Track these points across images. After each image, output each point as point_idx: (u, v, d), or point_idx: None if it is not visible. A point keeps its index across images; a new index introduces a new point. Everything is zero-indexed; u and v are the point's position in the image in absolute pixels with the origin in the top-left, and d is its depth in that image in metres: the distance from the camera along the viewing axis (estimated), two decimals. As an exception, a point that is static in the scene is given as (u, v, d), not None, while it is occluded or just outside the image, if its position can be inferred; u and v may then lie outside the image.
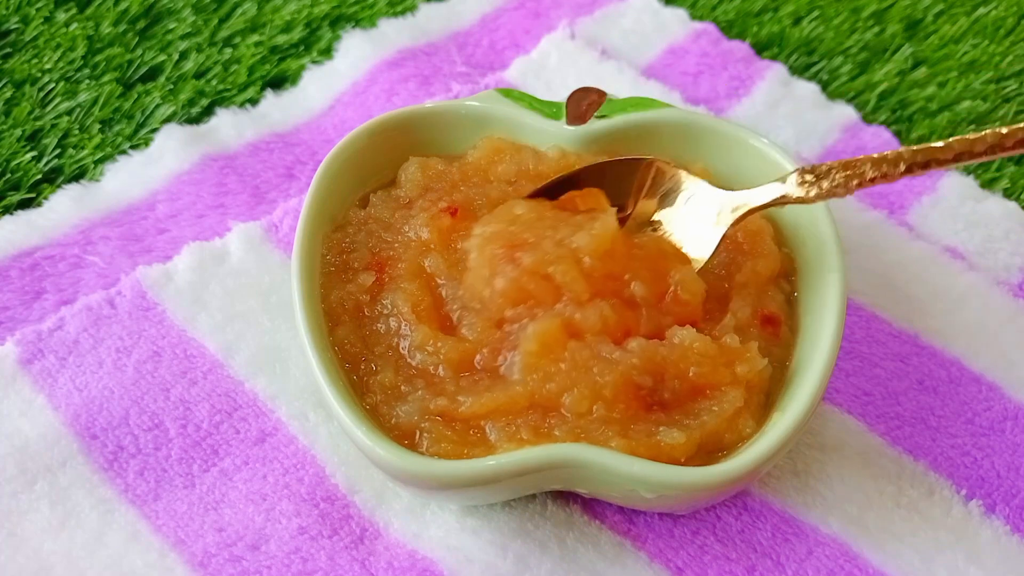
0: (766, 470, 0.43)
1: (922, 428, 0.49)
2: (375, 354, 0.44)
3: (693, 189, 0.48)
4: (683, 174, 0.48)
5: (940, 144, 0.42)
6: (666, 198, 0.48)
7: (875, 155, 0.43)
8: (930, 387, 0.50)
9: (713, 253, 0.46)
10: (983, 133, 0.41)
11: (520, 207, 0.47)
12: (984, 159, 0.41)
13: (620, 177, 0.48)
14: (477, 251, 0.45)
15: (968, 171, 0.59)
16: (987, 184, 0.59)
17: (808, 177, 0.44)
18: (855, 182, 0.43)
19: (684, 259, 0.46)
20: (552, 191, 0.48)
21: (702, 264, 0.46)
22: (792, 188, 0.44)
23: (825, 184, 0.43)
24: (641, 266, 0.45)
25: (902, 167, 0.42)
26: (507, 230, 0.45)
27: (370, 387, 0.43)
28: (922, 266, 0.54)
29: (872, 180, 0.43)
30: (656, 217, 0.48)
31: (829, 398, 0.49)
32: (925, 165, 0.42)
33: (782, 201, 0.45)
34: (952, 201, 0.57)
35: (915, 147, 0.42)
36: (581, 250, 0.43)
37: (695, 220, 0.47)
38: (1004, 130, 0.41)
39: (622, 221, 0.47)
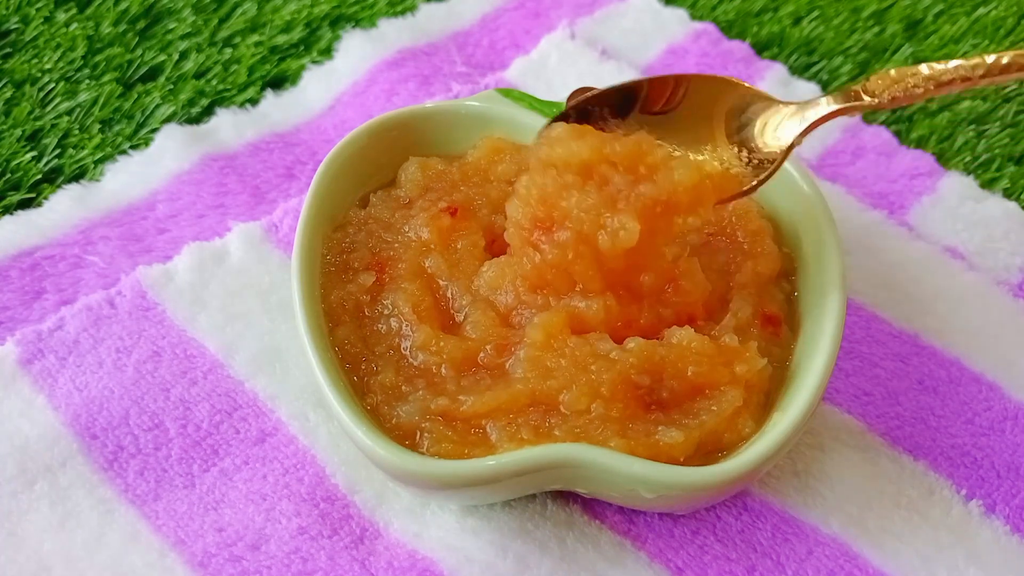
0: (766, 470, 0.43)
1: (922, 428, 0.49)
2: (375, 354, 0.44)
3: (755, 103, 0.47)
4: (740, 86, 0.47)
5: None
6: (731, 113, 0.47)
7: (937, 65, 0.43)
8: (930, 387, 0.50)
9: (779, 162, 0.45)
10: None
11: (578, 147, 0.45)
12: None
13: (702, 98, 0.47)
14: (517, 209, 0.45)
15: (968, 171, 0.59)
16: (987, 184, 0.59)
17: (871, 85, 0.44)
18: (932, 85, 0.43)
19: (732, 182, 0.45)
20: (625, 95, 0.47)
21: (771, 170, 0.45)
22: (861, 96, 0.44)
23: (892, 90, 0.43)
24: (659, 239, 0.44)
25: (979, 70, 0.42)
26: (547, 191, 0.44)
27: (371, 387, 0.43)
28: (922, 266, 0.54)
29: (947, 84, 0.42)
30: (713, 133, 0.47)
31: (829, 398, 0.49)
32: (988, 73, 0.42)
33: (857, 107, 0.44)
34: (952, 201, 0.57)
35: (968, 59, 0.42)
36: (604, 251, 0.43)
37: (761, 133, 0.46)
38: None
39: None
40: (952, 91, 0.43)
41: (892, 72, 0.44)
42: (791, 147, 0.45)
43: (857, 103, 0.44)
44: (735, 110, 0.47)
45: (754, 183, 0.45)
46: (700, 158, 0.46)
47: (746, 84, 0.48)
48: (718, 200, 0.45)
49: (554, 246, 0.43)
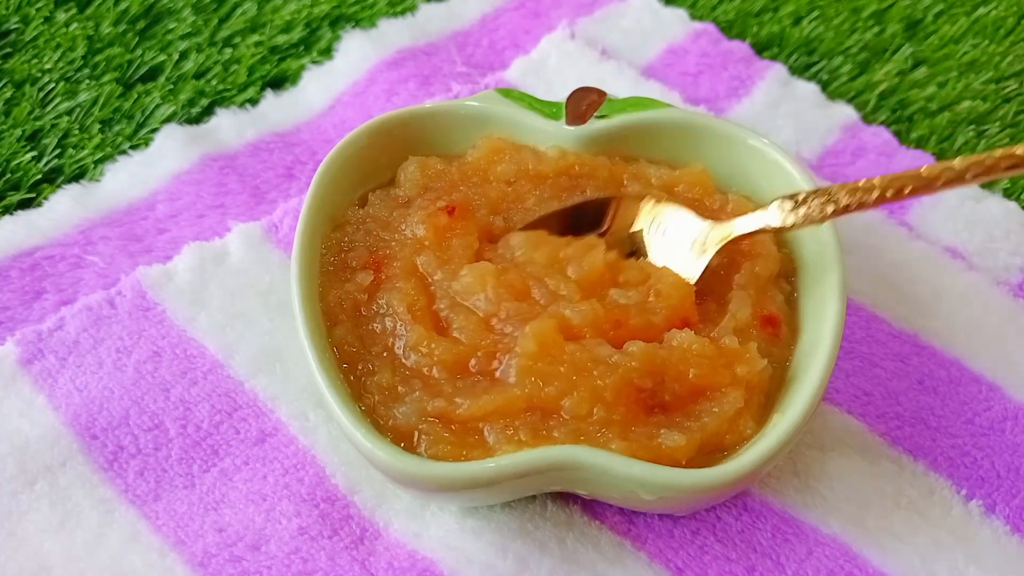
0: (767, 471, 0.43)
1: (922, 428, 0.49)
2: (372, 354, 0.44)
3: (673, 218, 0.48)
4: (661, 206, 0.48)
5: (913, 172, 0.42)
6: (645, 229, 0.49)
7: (850, 183, 0.44)
8: (930, 387, 0.50)
9: (697, 281, 0.47)
10: (950, 162, 0.42)
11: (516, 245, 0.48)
12: (957, 186, 0.42)
13: (595, 214, 0.49)
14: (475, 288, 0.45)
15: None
16: (987, 184, 0.59)
17: (787, 204, 0.45)
18: (830, 209, 0.44)
19: (687, 299, 0.46)
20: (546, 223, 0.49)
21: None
22: (773, 216, 0.45)
23: (802, 211, 0.45)
24: (628, 280, 0.46)
25: (874, 195, 0.43)
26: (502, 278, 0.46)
27: (368, 388, 0.43)
28: (922, 266, 0.54)
29: (846, 208, 0.44)
30: (639, 247, 0.49)
31: (829, 398, 0.49)
32: (898, 192, 0.43)
33: (763, 231, 0.46)
34: (952, 201, 0.57)
35: (890, 176, 0.43)
36: (571, 282, 0.45)
37: (677, 249, 0.48)
38: (974, 158, 0.41)
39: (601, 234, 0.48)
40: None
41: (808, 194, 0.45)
42: (707, 267, 0.47)
43: (764, 227, 0.46)
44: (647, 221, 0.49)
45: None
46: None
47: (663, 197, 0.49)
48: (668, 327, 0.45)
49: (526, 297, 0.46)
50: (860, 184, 0.44)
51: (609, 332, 0.44)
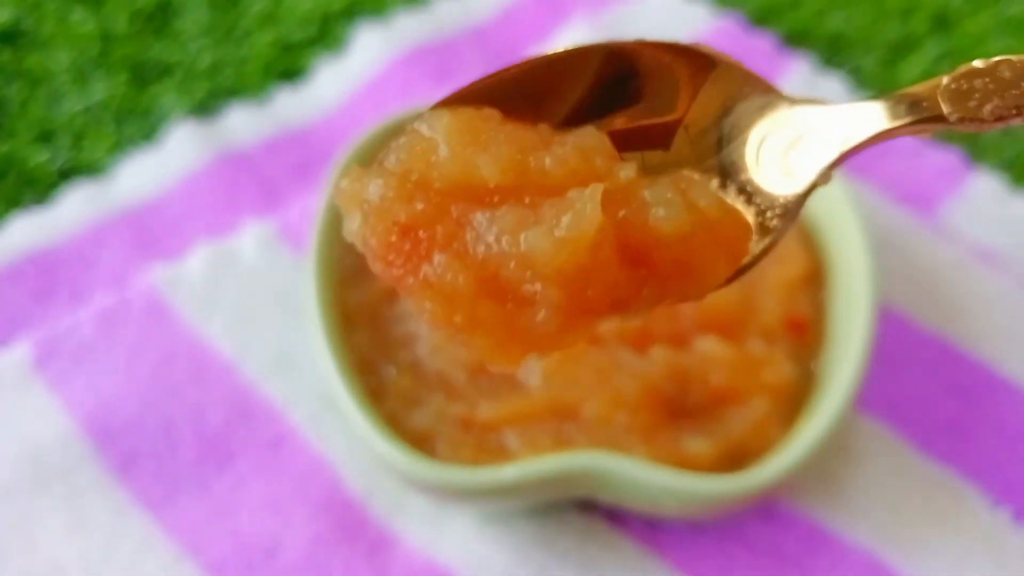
0: (794, 479, 0.42)
1: (951, 435, 0.48)
2: (392, 358, 0.44)
3: (751, 101, 0.30)
4: (736, 71, 0.30)
5: None
6: (728, 116, 0.29)
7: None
8: (959, 393, 0.49)
9: (790, 218, 0.28)
10: None
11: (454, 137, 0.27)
12: None
13: (661, 75, 0.28)
14: (361, 227, 0.28)
15: (998, 170, 0.58)
16: (1017, 183, 0.58)
17: (968, 84, 0.27)
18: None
19: (739, 228, 0.28)
20: (506, 90, 0.28)
21: (773, 238, 0.28)
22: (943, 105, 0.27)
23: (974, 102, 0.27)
24: (660, 260, 0.27)
25: None
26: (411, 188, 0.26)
27: (387, 392, 0.43)
28: (952, 269, 0.53)
29: None
30: (679, 146, 0.29)
31: (856, 403, 0.48)
32: None
33: (930, 121, 0.28)
34: (982, 201, 0.56)
35: None
36: (539, 266, 0.25)
37: (757, 156, 0.29)
38: None
39: (663, 138, 0.28)
40: None
41: (971, 68, 0.27)
42: (812, 187, 0.28)
43: (927, 119, 0.28)
44: (716, 107, 0.29)
45: (760, 248, 0.28)
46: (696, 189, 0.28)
47: (734, 61, 0.30)
48: (726, 277, 0.28)
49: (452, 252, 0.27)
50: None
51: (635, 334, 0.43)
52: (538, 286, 0.25)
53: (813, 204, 0.47)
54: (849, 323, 0.44)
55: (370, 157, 0.49)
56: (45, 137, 0.59)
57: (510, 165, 0.25)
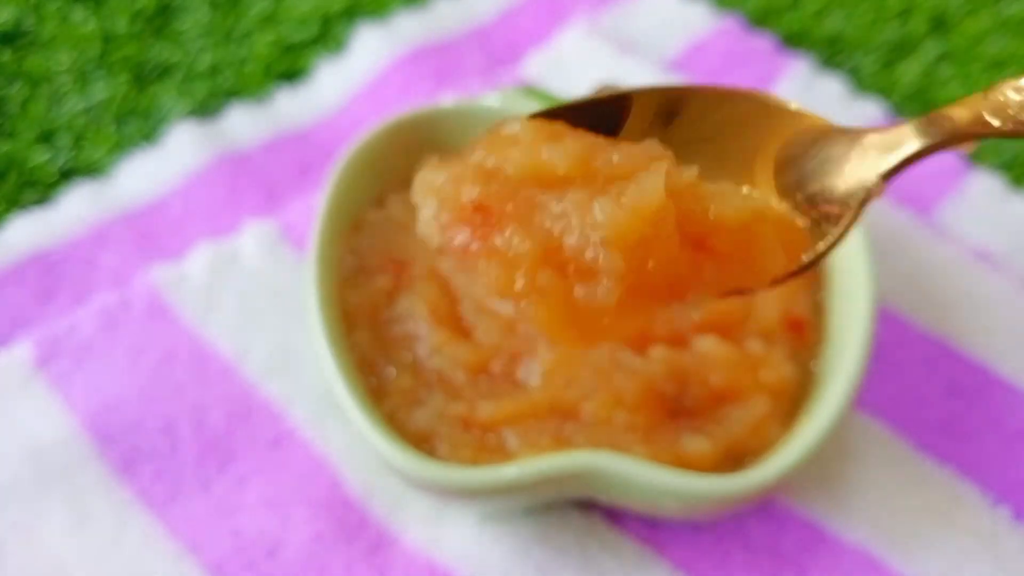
0: (793, 479, 0.42)
1: (950, 434, 0.48)
2: (392, 358, 0.44)
3: (825, 132, 0.32)
4: (801, 113, 0.32)
5: None
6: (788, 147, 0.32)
7: None
8: (958, 392, 0.49)
9: (851, 218, 0.30)
10: None
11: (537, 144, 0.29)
12: None
13: (722, 118, 0.31)
14: (435, 210, 0.30)
15: (996, 170, 0.58)
16: (1015, 183, 0.58)
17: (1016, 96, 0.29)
18: None
19: (794, 228, 0.30)
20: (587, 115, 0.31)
21: (832, 237, 0.30)
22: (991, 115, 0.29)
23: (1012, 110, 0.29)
24: (720, 247, 0.28)
25: None
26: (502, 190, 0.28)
27: (387, 392, 0.43)
28: (950, 268, 0.53)
29: None
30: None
31: (855, 403, 0.48)
32: None
33: (984, 132, 0.30)
34: (980, 201, 0.56)
35: None
36: (603, 237, 0.26)
37: (827, 173, 0.31)
38: None
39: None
40: None
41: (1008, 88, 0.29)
42: (867, 198, 0.30)
43: (969, 133, 0.30)
44: (773, 138, 0.32)
45: (821, 248, 0.30)
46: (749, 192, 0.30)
47: (790, 104, 0.33)
48: (785, 271, 0.29)
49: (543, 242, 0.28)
50: None
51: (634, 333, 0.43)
52: (601, 254, 0.25)
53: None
54: (848, 323, 0.44)
55: (372, 159, 0.49)
56: (46, 137, 0.59)
57: (579, 158, 0.27)
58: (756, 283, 0.29)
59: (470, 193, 0.27)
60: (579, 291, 0.26)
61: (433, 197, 0.28)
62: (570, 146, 0.27)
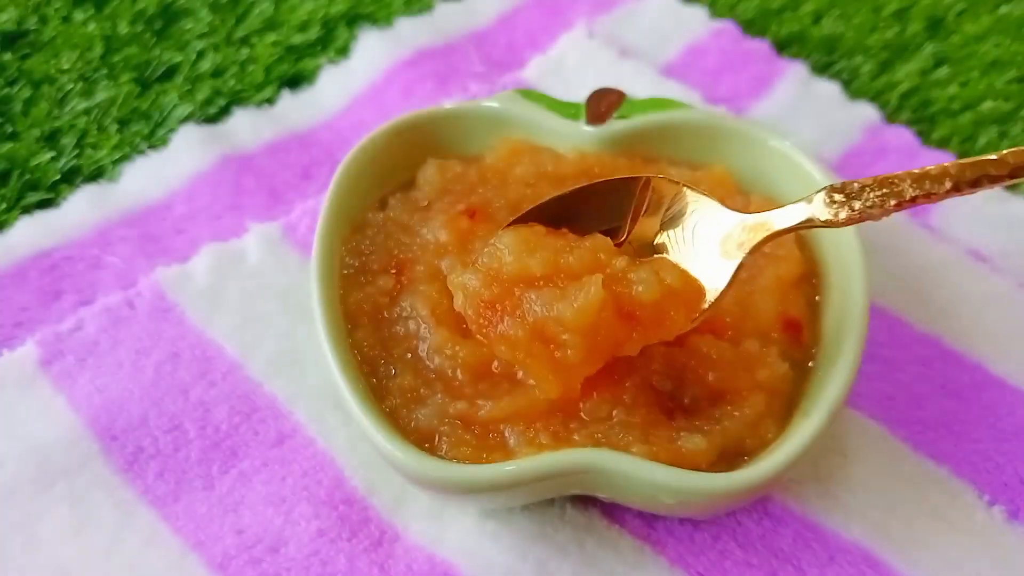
0: (788, 476, 0.42)
1: (945, 433, 0.48)
2: (394, 357, 0.44)
3: (701, 210, 0.42)
4: (688, 192, 0.43)
5: (992, 157, 0.37)
6: (672, 220, 0.43)
7: (916, 171, 0.38)
8: (953, 391, 0.50)
9: (728, 284, 0.41)
10: None
11: (511, 245, 0.42)
12: None
13: (616, 198, 0.44)
14: (463, 303, 0.41)
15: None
16: (1010, 185, 0.58)
17: (838, 197, 0.39)
18: (892, 202, 0.38)
19: (695, 292, 0.41)
20: (547, 211, 0.44)
21: (716, 296, 0.41)
22: (820, 209, 0.40)
23: (858, 205, 0.39)
24: (643, 316, 0.40)
25: (948, 185, 0.37)
26: (489, 287, 0.41)
27: (389, 390, 0.43)
28: (945, 269, 0.54)
29: (913, 200, 0.38)
30: (660, 240, 0.43)
31: (851, 402, 0.49)
32: (975, 183, 0.37)
33: (807, 225, 0.40)
34: (975, 203, 0.57)
35: (963, 161, 0.37)
36: (566, 324, 0.39)
37: (705, 244, 0.42)
38: None
39: (618, 245, 0.43)
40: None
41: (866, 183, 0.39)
42: (740, 265, 0.41)
43: (806, 223, 0.40)
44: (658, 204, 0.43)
45: (705, 309, 0.41)
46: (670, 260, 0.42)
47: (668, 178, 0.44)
48: (687, 321, 0.41)
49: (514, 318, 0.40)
50: (930, 171, 0.37)
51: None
52: (566, 336, 0.40)
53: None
54: (843, 322, 0.44)
55: (373, 161, 0.50)
56: (49, 139, 0.60)
57: (548, 263, 0.41)
58: (666, 336, 0.41)
59: (482, 295, 0.41)
60: (557, 354, 0.40)
61: (460, 292, 0.42)
62: (542, 255, 0.41)
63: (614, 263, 0.41)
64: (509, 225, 0.44)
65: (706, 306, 0.41)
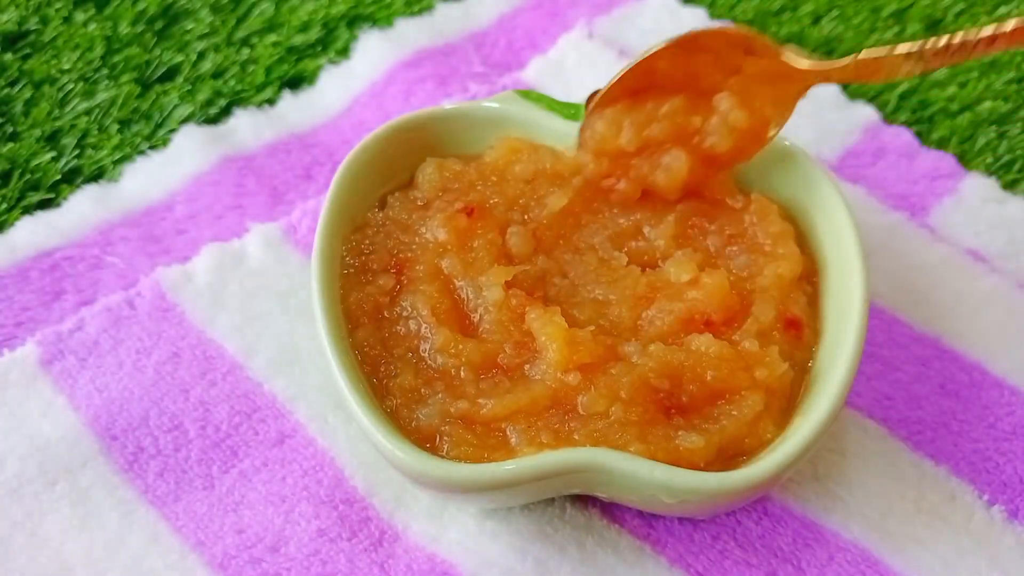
0: (788, 475, 0.43)
1: (943, 432, 0.48)
2: (395, 356, 0.44)
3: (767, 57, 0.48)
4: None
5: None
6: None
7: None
8: (952, 391, 0.50)
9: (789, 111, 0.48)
10: None
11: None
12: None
13: (686, 56, 0.49)
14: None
15: (990, 172, 0.59)
16: (1009, 185, 0.59)
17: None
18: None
19: (761, 123, 0.48)
20: (627, 83, 0.50)
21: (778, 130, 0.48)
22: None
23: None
24: (723, 158, 0.48)
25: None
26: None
27: (390, 390, 0.43)
28: (944, 269, 0.54)
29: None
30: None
31: (850, 402, 0.49)
32: None
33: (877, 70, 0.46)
34: (974, 203, 0.57)
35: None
36: (660, 189, 0.49)
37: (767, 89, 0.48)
38: None
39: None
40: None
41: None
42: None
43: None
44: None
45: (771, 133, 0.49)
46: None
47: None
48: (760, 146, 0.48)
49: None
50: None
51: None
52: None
53: (808, 205, 0.48)
54: (842, 322, 0.45)
55: (373, 161, 0.50)
56: (50, 139, 0.60)
57: (637, 139, 0.49)
58: (746, 159, 0.49)
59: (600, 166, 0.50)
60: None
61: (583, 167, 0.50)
62: (628, 133, 0.50)
63: (691, 122, 0.48)
64: (596, 107, 0.50)
65: (772, 133, 0.48)
